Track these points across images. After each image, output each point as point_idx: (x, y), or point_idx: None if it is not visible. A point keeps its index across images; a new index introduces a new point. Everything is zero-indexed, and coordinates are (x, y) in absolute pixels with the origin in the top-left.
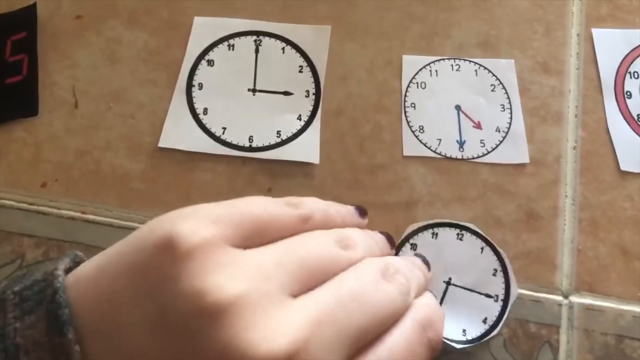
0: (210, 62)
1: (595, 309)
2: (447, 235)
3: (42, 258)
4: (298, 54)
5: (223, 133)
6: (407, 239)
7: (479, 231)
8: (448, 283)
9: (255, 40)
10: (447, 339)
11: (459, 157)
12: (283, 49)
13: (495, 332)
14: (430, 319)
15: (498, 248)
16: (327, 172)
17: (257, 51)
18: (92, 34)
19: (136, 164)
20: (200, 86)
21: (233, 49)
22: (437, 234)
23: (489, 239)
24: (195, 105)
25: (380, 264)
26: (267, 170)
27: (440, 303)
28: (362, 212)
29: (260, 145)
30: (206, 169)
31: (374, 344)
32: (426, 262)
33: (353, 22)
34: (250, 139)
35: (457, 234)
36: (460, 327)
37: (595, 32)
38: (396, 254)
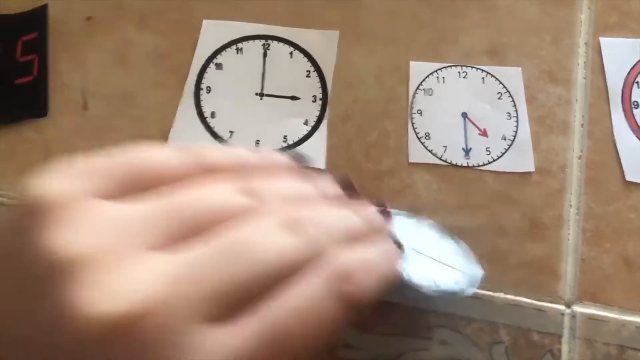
0: (219, 66)
1: (598, 319)
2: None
3: None
4: (306, 59)
5: (230, 137)
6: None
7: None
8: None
9: (263, 45)
10: None
11: (465, 164)
12: (291, 53)
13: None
14: (348, 271)
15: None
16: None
17: (265, 55)
18: (102, 36)
19: None
20: (209, 89)
21: (241, 53)
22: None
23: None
24: (203, 109)
25: (288, 214)
26: None
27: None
28: (299, 159)
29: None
30: None
31: (265, 300)
32: (386, 212)
33: (361, 27)
34: (257, 143)
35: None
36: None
37: (603, 41)
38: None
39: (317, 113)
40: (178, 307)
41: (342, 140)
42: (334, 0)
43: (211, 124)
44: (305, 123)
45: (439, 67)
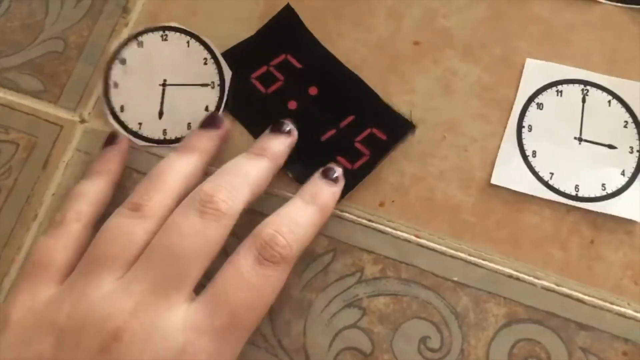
0: (540, 106)
1: None
2: (152, 39)
3: (379, 275)
4: (624, 109)
5: (550, 178)
6: (114, 55)
7: (182, 27)
8: (164, 85)
9: (582, 90)
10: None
11: None
12: (609, 101)
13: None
14: (272, 240)
15: (203, 38)
16: None
17: (583, 100)
18: (429, 62)
19: (467, 196)
20: (530, 128)
21: (561, 95)
22: (142, 42)
23: (193, 32)
24: (525, 147)
25: (193, 200)
26: (590, 221)
27: (161, 106)
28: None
29: (585, 195)
30: (533, 212)
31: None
32: (214, 121)
33: None
34: (577, 187)
35: (161, 36)
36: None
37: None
38: (106, 72)
39: (634, 165)
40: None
41: None
42: None
43: (532, 163)
44: (623, 174)
45: None
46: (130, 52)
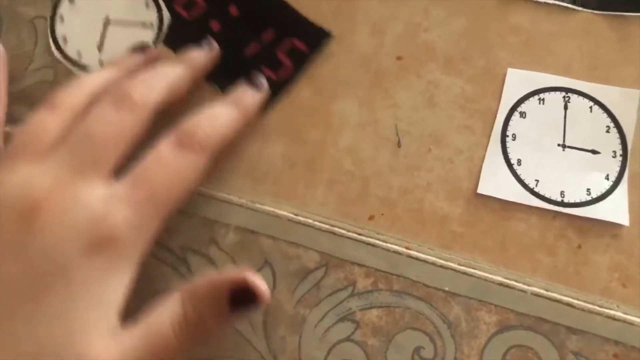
0: (523, 114)
1: None
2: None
3: (371, 288)
4: (605, 114)
5: (536, 185)
6: None
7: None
8: (106, 22)
9: (564, 97)
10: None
11: None
12: (591, 107)
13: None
14: (191, 131)
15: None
16: (636, 235)
17: (565, 107)
18: (412, 76)
19: (455, 207)
20: (514, 137)
21: (543, 103)
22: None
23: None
24: (510, 156)
25: (117, 94)
26: (577, 226)
27: (100, 42)
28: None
29: (571, 201)
30: (520, 220)
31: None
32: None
33: None
34: (562, 193)
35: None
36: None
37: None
38: (54, 8)
39: (618, 169)
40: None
41: None
42: (631, 61)
43: (518, 171)
44: (607, 178)
45: None
46: None
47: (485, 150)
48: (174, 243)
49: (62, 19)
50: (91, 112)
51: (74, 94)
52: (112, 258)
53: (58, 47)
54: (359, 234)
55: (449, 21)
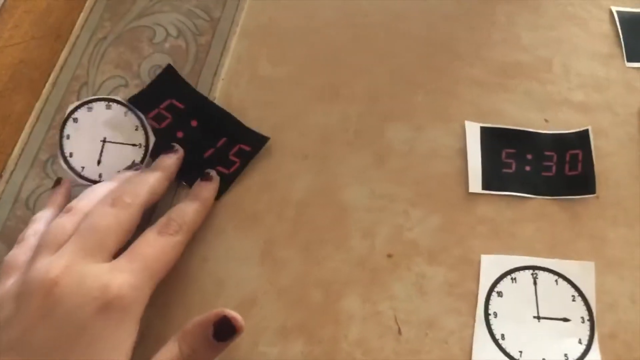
0: (500, 294)
1: None
2: (99, 106)
3: None
4: (569, 285)
5: (520, 356)
6: (69, 115)
7: (121, 100)
8: (104, 141)
9: (532, 274)
10: None
11: None
12: (556, 280)
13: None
14: (167, 222)
15: (137, 112)
16: None
17: (535, 283)
18: (403, 270)
19: None
20: (495, 315)
21: (516, 282)
22: (91, 107)
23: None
24: (494, 332)
25: (114, 196)
26: None
27: (100, 156)
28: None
29: None
30: None
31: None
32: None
33: (609, 257)
34: None
35: (106, 105)
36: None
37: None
38: (62, 128)
39: (588, 332)
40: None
41: (613, 358)
42: (583, 236)
43: (503, 345)
44: (580, 342)
45: None
46: (82, 114)
47: (473, 329)
48: None
49: (68, 137)
50: (94, 210)
51: (84, 200)
52: (121, 313)
53: (65, 160)
54: None
55: (427, 219)
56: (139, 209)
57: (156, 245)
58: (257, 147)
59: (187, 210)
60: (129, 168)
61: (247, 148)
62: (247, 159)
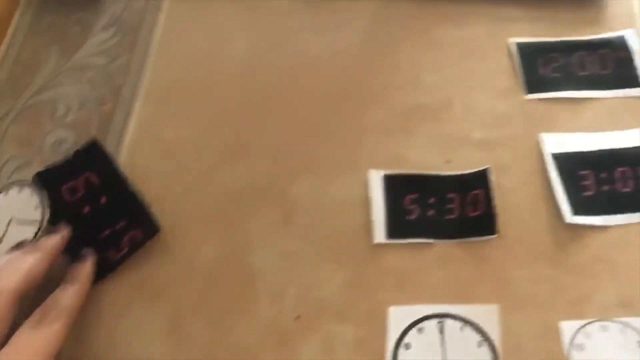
0: (407, 346)
1: None
2: (13, 190)
3: None
4: (474, 331)
5: None
6: None
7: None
8: (9, 222)
9: (438, 322)
10: None
11: None
12: (461, 327)
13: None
14: (43, 313)
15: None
16: None
17: (441, 331)
18: (311, 331)
19: None
20: None
21: (422, 332)
22: (7, 192)
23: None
24: None
25: None
26: None
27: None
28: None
29: None
30: None
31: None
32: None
33: (513, 297)
34: None
35: (19, 188)
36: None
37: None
38: None
39: None
40: None
41: None
42: (488, 278)
43: None
44: None
45: (585, 323)
46: None
47: None
48: None
49: None
50: None
51: None
52: None
53: None
54: None
55: (335, 275)
56: (9, 296)
57: (31, 344)
58: (149, 236)
59: (63, 295)
60: (15, 248)
61: (139, 235)
62: (136, 246)
